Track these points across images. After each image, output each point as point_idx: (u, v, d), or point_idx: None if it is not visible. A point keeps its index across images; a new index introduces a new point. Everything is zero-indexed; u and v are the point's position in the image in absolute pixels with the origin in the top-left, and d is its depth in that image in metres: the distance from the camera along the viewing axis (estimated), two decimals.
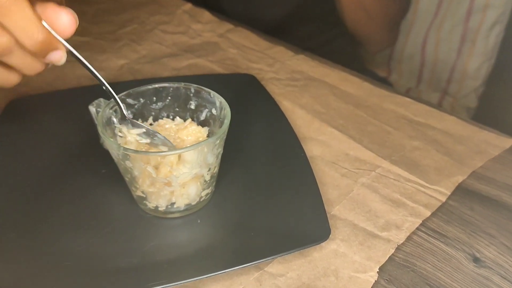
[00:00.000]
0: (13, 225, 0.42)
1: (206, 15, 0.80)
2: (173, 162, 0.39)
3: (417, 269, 0.40)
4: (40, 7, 0.35)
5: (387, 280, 0.39)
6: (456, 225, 0.44)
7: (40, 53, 0.37)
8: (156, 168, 0.39)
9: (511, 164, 0.51)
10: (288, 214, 0.44)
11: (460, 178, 0.49)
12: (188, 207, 0.43)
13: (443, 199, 0.46)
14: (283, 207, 0.44)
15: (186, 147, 0.39)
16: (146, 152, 0.41)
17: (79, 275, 0.38)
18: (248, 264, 0.39)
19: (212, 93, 0.45)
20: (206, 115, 0.46)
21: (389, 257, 0.41)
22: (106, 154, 0.48)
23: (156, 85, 0.46)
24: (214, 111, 0.45)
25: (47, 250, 0.40)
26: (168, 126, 0.45)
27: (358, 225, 0.44)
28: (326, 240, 0.41)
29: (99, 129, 0.40)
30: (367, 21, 0.85)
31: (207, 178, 0.42)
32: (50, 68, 0.41)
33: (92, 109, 0.43)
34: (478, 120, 0.59)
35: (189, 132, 0.44)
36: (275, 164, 0.49)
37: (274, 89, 0.62)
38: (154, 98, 0.46)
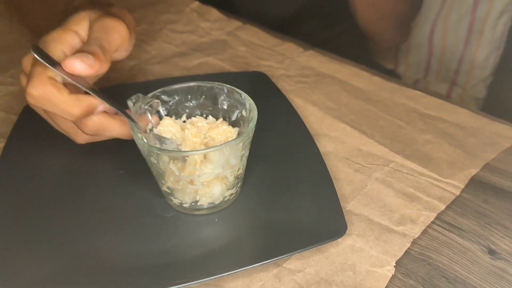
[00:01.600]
0: (35, 227, 0.43)
1: (214, 13, 0.81)
2: (196, 161, 0.40)
3: (433, 262, 0.41)
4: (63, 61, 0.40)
5: (404, 273, 0.40)
6: (470, 218, 0.45)
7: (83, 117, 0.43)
8: (181, 166, 0.40)
9: None
10: (305, 210, 0.44)
11: (473, 171, 0.49)
12: (212, 205, 0.44)
13: (457, 192, 0.47)
14: (299, 204, 0.45)
15: (208, 148, 0.41)
16: (170, 151, 0.42)
17: (102, 274, 0.39)
18: (267, 261, 0.40)
19: (243, 94, 0.45)
20: (237, 116, 0.47)
21: (405, 251, 0.41)
22: (122, 155, 0.49)
23: (191, 84, 0.47)
24: (244, 112, 0.45)
25: (70, 251, 0.41)
26: (200, 124, 0.46)
27: (374, 220, 0.44)
28: (342, 235, 0.42)
29: (130, 124, 0.42)
30: (379, 20, 0.86)
31: (231, 179, 0.43)
32: None
33: (130, 103, 0.44)
34: (487, 110, 0.59)
35: (219, 131, 0.45)
36: (289, 161, 0.50)
37: (285, 86, 0.62)
38: (189, 96, 0.47)
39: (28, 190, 0.47)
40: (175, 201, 0.43)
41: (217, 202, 0.44)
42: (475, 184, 0.48)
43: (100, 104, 0.43)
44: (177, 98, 0.47)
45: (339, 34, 0.95)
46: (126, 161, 0.49)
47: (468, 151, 0.52)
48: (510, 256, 0.41)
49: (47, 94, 0.40)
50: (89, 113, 0.42)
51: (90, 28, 0.45)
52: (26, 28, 0.75)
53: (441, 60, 1.06)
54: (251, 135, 0.42)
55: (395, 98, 0.60)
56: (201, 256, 0.40)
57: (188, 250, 0.41)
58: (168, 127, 0.45)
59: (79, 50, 0.42)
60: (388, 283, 0.39)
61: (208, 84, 0.47)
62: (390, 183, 0.48)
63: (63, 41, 0.43)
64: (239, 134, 0.46)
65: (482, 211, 0.45)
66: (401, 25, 0.92)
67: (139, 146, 0.41)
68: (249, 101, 0.45)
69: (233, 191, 0.44)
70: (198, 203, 0.43)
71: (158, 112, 0.46)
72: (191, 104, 0.48)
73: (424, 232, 0.43)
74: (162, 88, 0.46)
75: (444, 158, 0.51)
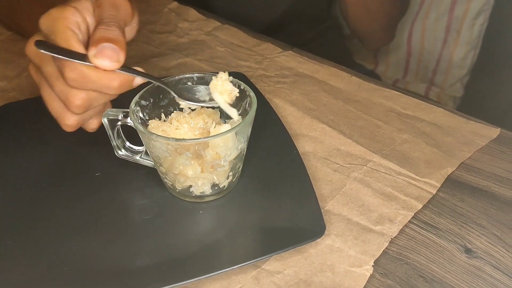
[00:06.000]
0: (7, 231, 0.42)
1: (192, 13, 0.80)
2: (229, 139, 0.41)
3: (410, 261, 0.41)
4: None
5: (381, 273, 0.40)
6: (447, 217, 0.45)
7: (126, 89, 0.42)
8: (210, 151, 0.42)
9: (499, 154, 0.52)
10: (283, 211, 0.44)
11: (449, 170, 0.50)
12: (230, 183, 0.45)
13: (434, 191, 0.47)
14: (278, 205, 0.45)
15: (238, 124, 0.41)
16: (204, 138, 0.42)
17: (77, 280, 0.39)
18: (245, 263, 0.39)
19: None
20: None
21: (383, 251, 0.42)
22: (99, 156, 0.49)
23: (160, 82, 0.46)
24: None
25: (44, 256, 0.40)
26: (182, 117, 0.46)
27: (352, 220, 0.44)
28: (321, 236, 0.42)
29: (141, 129, 0.41)
30: (369, 20, 0.87)
31: (245, 151, 0.45)
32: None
33: (104, 120, 0.44)
34: (464, 109, 0.60)
35: (205, 116, 0.46)
36: (268, 161, 0.50)
37: (264, 87, 0.62)
38: (161, 95, 0.47)
39: (3, 194, 0.46)
40: (197, 192, 0.44)
41: (234, 179, 0.45)
42: (451, 183, 0.48)
43: (136, 78, 0.42)
44: (152, 100, 0.46)
45: (318, 36, 0.96)
46: (103, 163, 0.49)
47: (445, 150, 0.52)
48: (486, 255, 0.41)
49: (85, 74, 0.40)
50: (128, 86, 0.42)
51: (98, 5, 0.44)
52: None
53: (420, 60, 1.07)
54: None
55: (373, 98, 0.60)
56: (179, 259, 0.40)
57: (165, 253, 0.40)
58: (161, 128, 0.45)
59: (99, 36, 0.41)
60: (366, 283, 0.39)
61: (176, 77, 0.47)
62: (368, 182, 0.48)
63: (66, 19, 0.42)
64: (221, 113, 0.47)
65: (459, 210, 0.46)
66: (389, 27, 0.93)
67: (168, 146, 0.41)
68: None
69: (241, 164, 0.46)
70: (220, 185, 0.44)
71: (140, 118, 0.45)
72: (164, 102, 0.47)
73: (402, 231, 0.43)
74: (140, 93, 0.45)
75: (421, 157, 0.51)
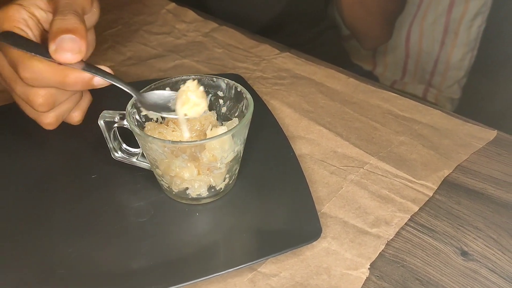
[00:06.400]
0: (6, 233, 0.42)
1: (190, 14, 0.80)
2: (225, 141, 0.41)
3: (406, 264, 0.41)
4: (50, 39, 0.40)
5: (378, 276, 0.40)
6: (443, 219, 0.45)
7: (84, 87, 0.42)
8: (207, 153, 0.41)
9: (496, 157, 0.52)
10: (280, 214, 0.44)
11: (446, 172, 0.50)
12: (227, 186, 0.45)
13: (430, 193, 0.47)
14: (274, 207, 0.45)
15: (235, 126, 0.41)
16: (201, 140, 0.42)
17: (72, 282, 0.39)
18: (241, 266, 0.39)
19: (215, 78, 0.46)
20: (211, 99, 0.47)
21: (380, 253, 0.42)
22: (95, 159, 0.49)
23: (156, 83, 0.46)
24: (220, 93, 0.47)
25: (39, 259, 0.40)
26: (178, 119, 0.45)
27: (349, 222, 0.44)
28: (317, 239, 0.42)
29: (137, 131, 0.41)
30: (365, 17, 0.87)
31: (241, 154, 0.45)
32: None
33: (101, 122, 0.44)
34: (461, 111, 0.59)
35: (201, 119, 0.46)
36: (265, 163, 0.50)
37: (261, 88, 0.62)
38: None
39: None
40: (193, 194, 0.44)
41: (230, 181, 0.45)
42: (448, 185, 0.48)
43: (95, 77, 0.42)
44: None
45: (316, 37, 0.96)
46: (99, 165, 0.48)
47: (442, 152, 0.52)
48: (482, 258, 0.41)
49: (38, 72, 0.40)
50: (86, 84, 0.42)
51: None
52: None
53: (418, 62, 1.07)
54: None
55: (370, 99, 0.60)
56: (175, 262, 0.40)
57: (161, 256, 0.40)
58: (158, 130, 0.44)
59: (56, 29, 0.40)
60: (362, 286, 0.39)
61: (173, 79, 0.46)
62: (365, 185, 0.48)
63: (10, 17, 0.42)
64: (218, 115, 0.48)
65: (455, 212, 0.46)
66: (386, 23, 0.93)
67: (164, 148, 0.41)
68: (225, 81, 0.46)
69: (238, 166, 0.46)
70: (217, 187, 0.44)
71: (137, 120, 0.45)
72: None
73: (398, 234, 0.43)
74: (137, 97, 0.45)
75: (418, 160, 0.51)
